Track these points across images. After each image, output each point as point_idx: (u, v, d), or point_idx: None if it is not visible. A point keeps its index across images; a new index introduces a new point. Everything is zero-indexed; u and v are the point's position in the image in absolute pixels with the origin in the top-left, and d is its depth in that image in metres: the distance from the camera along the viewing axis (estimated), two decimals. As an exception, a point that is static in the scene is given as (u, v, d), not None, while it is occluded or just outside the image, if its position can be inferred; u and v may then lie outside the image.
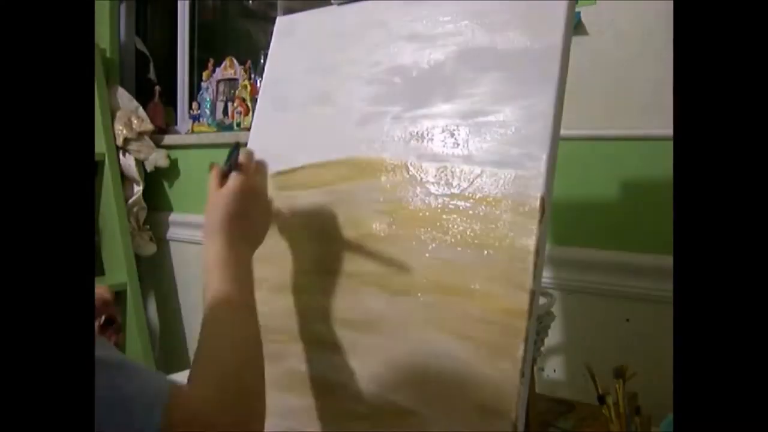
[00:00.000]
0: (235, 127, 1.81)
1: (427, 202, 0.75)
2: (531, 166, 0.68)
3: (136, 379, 0.53)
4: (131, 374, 0.53)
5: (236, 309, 0.68)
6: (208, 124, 1.89)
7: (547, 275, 1.15)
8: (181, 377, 1.31)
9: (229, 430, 0.58)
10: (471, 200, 0.71)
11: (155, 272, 2.06)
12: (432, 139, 0.77)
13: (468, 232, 0.71)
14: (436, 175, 0.75)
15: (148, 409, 0.52)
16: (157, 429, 0.51)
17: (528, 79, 0.71)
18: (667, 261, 0.92)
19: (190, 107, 1.96)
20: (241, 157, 0.77)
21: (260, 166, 0.80)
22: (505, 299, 0.66)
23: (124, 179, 1.96)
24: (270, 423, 0.81)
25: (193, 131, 1.94)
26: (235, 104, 1.81)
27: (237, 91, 1.82)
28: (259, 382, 0.64)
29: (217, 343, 0.64)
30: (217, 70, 1.89)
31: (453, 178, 0.74)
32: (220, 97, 1.87)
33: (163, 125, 2.06)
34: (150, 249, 2.00)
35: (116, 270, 1.92)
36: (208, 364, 0.62)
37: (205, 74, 1.91)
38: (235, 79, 1.84)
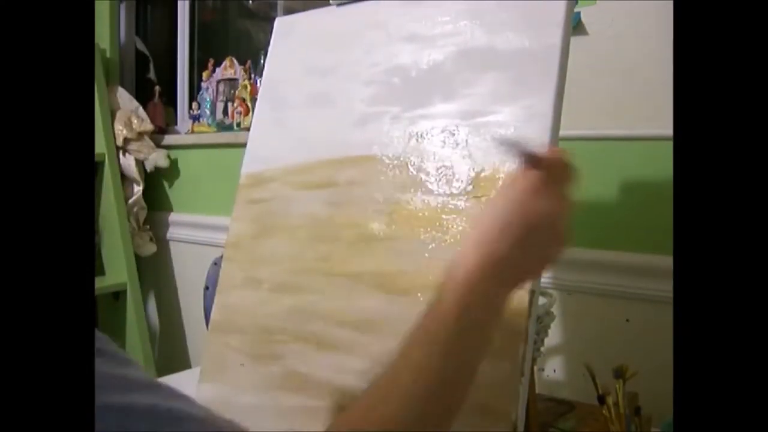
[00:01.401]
0: (235, 127, 1.81)
1: (426, 202, 0.75)
2: (531, 166, 0.68)
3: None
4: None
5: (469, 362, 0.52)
6: (208, 124, 1.89)
7: (546, 275, 1.15)
8: (181, 377, 1.31)
9: None
10: (470, 200, 0.71)
11: (155, 272, 2.06)
12: (431, 140, 0.77)
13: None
14: (435, 175, 0.75)
15: None
16: None
17: (527, 79, 0.71)
18: (667, 261, 0.92)
19: (190, 107, 1.96)
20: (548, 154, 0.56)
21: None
22: (505, 299, 0.66)
23: (124, 179, 1.96)
24: (270, 422, 0.81)
25: (193, 131, 1.94)
26: (235, 104, 1.81)
27: (237, 91, 1.82)
28: None
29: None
30: (217, 70, 1.89)
31: (452, 178, 0.74)
32: (220, 97, 1.87)
33: (163, 125, 2.06)
34: (150, 249, 2.00)
35: (116, 270, 1.92)
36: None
37: (205, 74, 1.91)
38: (235, 79, 1.84)
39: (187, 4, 2.07)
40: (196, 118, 1.93)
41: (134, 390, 0.41)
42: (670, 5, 0.57)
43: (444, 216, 0.73)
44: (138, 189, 1.97)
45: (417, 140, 0.78)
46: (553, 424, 0.94)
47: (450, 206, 0.73)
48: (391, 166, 0.79)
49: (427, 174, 0.76)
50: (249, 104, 1.77)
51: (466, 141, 0.74)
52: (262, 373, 0.84)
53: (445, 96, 0.77)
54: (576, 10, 1.10)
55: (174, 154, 1.98)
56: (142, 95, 2.07)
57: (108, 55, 2.06)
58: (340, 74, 0.88)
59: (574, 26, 1.11)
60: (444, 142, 0.76)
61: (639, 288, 1.08)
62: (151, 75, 2.22)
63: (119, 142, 1.92)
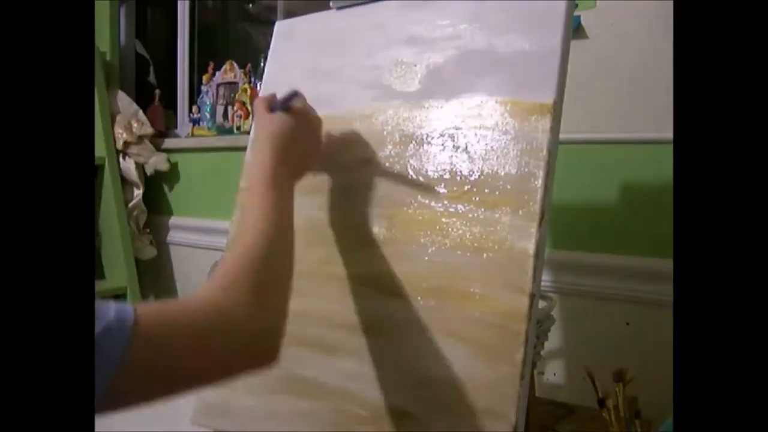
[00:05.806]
0: (235, 131, 1.81)
1: (426, 205, 0.75)
2: (530, 169, 0.68)
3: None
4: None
5: (276, 224, 0.68)
6: (208, 128, 1.89)
7: (546, 278, 1.15)
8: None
9: (255, 338, 0.63)
10: (470, 203, 0.71)
11: (155, 276, 2.06)
12: (431, 143, 0.77)
13: (467, 236, 0.71)
14: (435, 179, 0.75)
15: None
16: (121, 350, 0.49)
17: (527, 82, 0.71)
18: (668, 265, 0.92)
19: (190, 111, 1.96)
20: (299, 103, 0.79)
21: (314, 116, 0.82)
22: (505, 302, 0.66)
23: (124, 183, 1.96)
24: (270, 425, 0.81)
25: (193, 135, 1.94)
26: (235, 108, 1.81)
27: (237, 95, 1.82)
28: (286, 300, 0.66)
29: (253, 253, 0.65)
30: (217, 73, 1.89)
31: (452, 181, 0.74)
32: (220, 101, 1.87)
33: (163, 129, 2.06)
34: (150, 253, 2.00)
35: (116, 273, 1.92)
36: (244, 270, 0.63)
37: (205, 78, 1.91)
38: (235, 83, 1.84)
39: (187, 7, 2.07)
40: (196, 122, 1.93)
41: None
42: (671, 7, 0.57)
43: (444, 219, 0.73)
44: (138, 192, 1.96)
45: (417, 143, 0.78)
46: (553, 428, 0.94)
47: (449, 210, 0.73)
48: (390, 169, 0.79)
49: (427, 177, 0.76)
50: (249, 108, 1.77)
51: (466, 144, 0.74)
52: (261, 376, 0.84)
53: (445, 99, 0.77)
54: (576, 13, 1.11)
55: (174, 157, 1.98)
56: (142, 99, 2.08)
57: (108, 58, 2.06)
58: (340, 77, 0.88)
59: (574, 29, 1.11)
60: (444, 145, 0.76)
61: (639, 291, 1.08)
62: (151, 78, 2.22)
63: (119, 145, 1.92)
